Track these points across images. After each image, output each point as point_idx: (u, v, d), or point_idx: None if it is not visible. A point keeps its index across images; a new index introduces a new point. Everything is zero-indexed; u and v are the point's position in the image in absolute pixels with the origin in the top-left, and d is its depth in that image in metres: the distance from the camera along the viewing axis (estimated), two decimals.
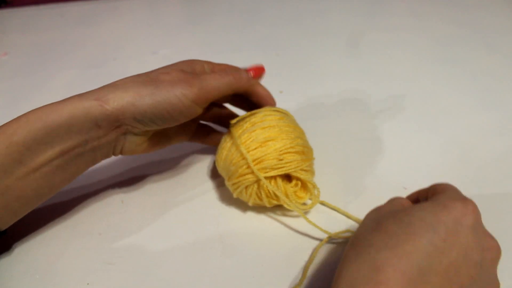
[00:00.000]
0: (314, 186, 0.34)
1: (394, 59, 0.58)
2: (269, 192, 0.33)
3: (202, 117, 0.40)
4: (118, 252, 0.33)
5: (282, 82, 0.53)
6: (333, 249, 0.33)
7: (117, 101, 0.30)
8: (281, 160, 0.32)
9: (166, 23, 0.73)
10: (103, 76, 0.57)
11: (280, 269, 0.31)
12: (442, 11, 0.71)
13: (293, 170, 0.32)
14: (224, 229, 0.34)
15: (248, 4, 0.76)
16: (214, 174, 0.40)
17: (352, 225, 0.34)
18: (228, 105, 0.41)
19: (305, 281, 0.30)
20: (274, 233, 0.34)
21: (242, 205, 0.36)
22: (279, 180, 0.33)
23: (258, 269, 0.31)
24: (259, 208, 0.36)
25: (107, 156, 0.34)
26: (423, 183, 0.38)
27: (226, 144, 0.35)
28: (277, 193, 0.32)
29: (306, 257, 0.32)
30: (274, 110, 0.36)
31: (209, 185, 0.39)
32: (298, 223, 0.34)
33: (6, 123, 0.29)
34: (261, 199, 0.33)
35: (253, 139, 0.33)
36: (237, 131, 0.34)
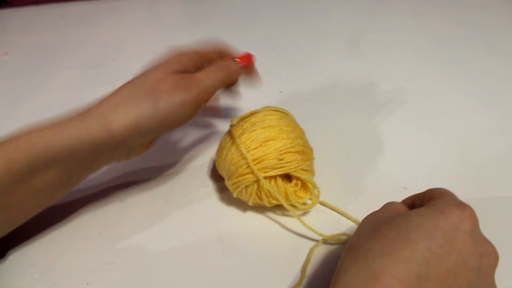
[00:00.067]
0: (314, 186, 0.34)
1: (394, 59, 0.58)
2: (269, 192, 0.33)
3: None
4: (118, 252, 0.33)
5: (282, 82, 0.53)
6: (333, 248, 0.33)
7: (122, 123, 0.29)
8: (281, 159, 0.32)
9: (166, 23, 0.73)
10: (103, 76, 0.57)
11: (280, 269, 0.31)
12: (442, 11, 0.71)
13: (293, 170, 0.32)
14: (224, 229, 0.34)
15: (248, 4, 0.76)
16: (214, 174, 0.40)
17: (351, 226, 0.34)
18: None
19: (306, 281, 0.30)
20: (274, 233, 0.34)
21: (242, 205, 0.36)
22: (279, 180, 0.33)
23: (258, 269, 0.31)
24: (259, 208, 0.36)
25: (109, 164, 0.34)
26: (423, 183, 0.38)
27: (226, 144, 0.35)
28: (274, 193, 0.32)
29: (306, 257, 0.32)
30: (274, 110, 0.36)
31: (209, 185, 0.39)
32: (298, 223, 0.34)
33: (7, 140, 0.28)
34: (261, 199, 0.33)
35: (253, 138, 0.33)
36: (237, 130, 0.34)
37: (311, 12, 0.72)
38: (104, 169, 0.38)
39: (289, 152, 0.33)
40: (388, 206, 0.27)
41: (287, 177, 0.34)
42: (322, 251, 0.32)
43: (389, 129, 0.45)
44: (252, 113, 0.35)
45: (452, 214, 0.23)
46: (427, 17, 0.69)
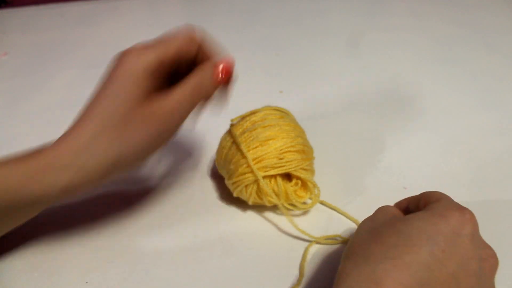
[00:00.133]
0: (315, 185, 0.34)
1: (394, 59, 0.58)
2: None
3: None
4: (117, 251, 0.33)
5: (282, 82, 0.53)
6: (334, 248, 0.33)
7: (98, 168, 0.27)
8: (281, 159, 0.32)
9: (166, 23, 0.73)
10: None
11: (280, 268, 0.31)
12: (442, 11, 0.71)
13: (293, 169, 0.32)
14: (224, 229, 0.34)
15: (248, 4, 0.76)
16: (214, 173, 0.40)
17: (351, 225, 0.34)
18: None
19: (306, 281, 0.30)
20: (274, 233, 0.34)
21: (242, 205, 0.36)
22: (279, 179, 0.33)
23: (258, 269, 0.31)
24: (259, 208, 0.36)
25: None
26: (423, 183, 0.38)
27: (226, 143, 0.35)
28: (271, 193, 0.32)
29: (301, 257, 0.32)
30: (274, 109, 0.36)
31: (209, 184, 0.39)
32: (298, 223, 0.34)
33: None
34: (261, 198, 0.33)
35: (253, 138, 0.33)
36: (237, 130, 0.34)
37: (311, 12, 0.72)
38: None
39: (289, 151, 0.33)
40: (383, 210, 0.27)
41: (287, 177, 0.34)
42: (322, 251, 0.32)
43: (389, 129, 0.45)
44: (252, 112, 0.35)
45: (452, 218, 0.23)
46: (427, 17, 0.69)
